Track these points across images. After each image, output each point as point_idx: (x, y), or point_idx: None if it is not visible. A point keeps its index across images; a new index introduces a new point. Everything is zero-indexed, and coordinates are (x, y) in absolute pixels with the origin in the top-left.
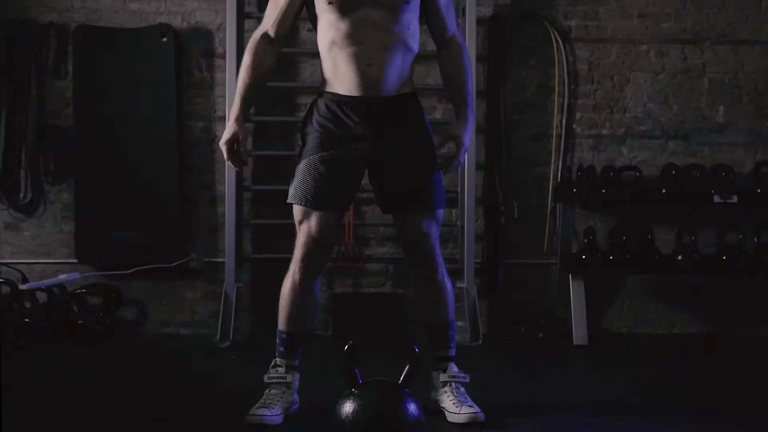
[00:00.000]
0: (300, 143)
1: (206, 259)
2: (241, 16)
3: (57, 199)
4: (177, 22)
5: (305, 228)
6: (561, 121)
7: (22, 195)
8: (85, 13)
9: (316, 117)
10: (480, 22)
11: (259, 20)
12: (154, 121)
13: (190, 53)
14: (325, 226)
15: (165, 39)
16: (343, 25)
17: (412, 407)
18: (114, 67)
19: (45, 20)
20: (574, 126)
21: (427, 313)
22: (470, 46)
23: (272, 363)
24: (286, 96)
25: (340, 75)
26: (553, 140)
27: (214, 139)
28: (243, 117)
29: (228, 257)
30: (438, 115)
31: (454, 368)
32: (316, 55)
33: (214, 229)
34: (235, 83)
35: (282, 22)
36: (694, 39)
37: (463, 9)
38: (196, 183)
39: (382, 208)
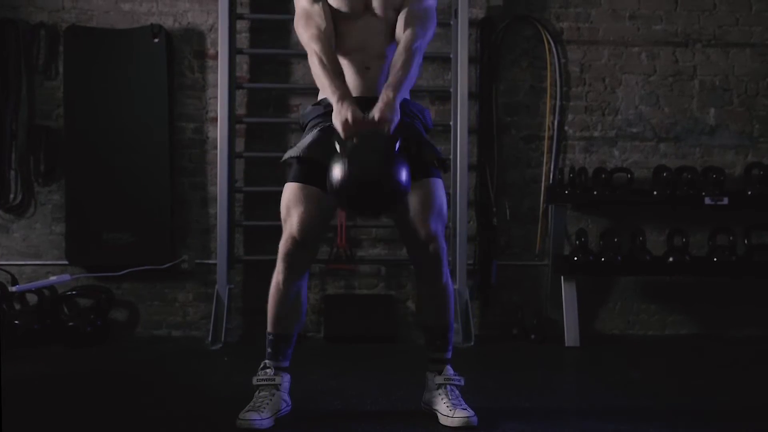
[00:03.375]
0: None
1: (198, 261)
2: (233, 17)
3: (47, 201)
4: (169, 22)
5: (288, 226)
6: (553, 123)
7: (12, 196)
8: (76, 14)
9: (316, 111)
10: (472, 23)
11: (252, 21)
12: (145, 122)
13: (182, 54)
14: (308, 224)
15: (157, 40)
16: (344, 32)
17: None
18: (105, 68)
19: (35, 20)
20: (566, 128)
21: (428, 315)
22: (462, 47)
23: (261, 365)
24: (278, 97)
25: None
26: (545, 142)
27: (206, 140)
28: (348, 92)
29: (220, 259)
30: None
31: (449, 371)
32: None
33: (205, 230)
34: (227, 83)
35: (330, 25)
36: (685, 41)
37: (455, 11)
38: (188, 184)
39: None
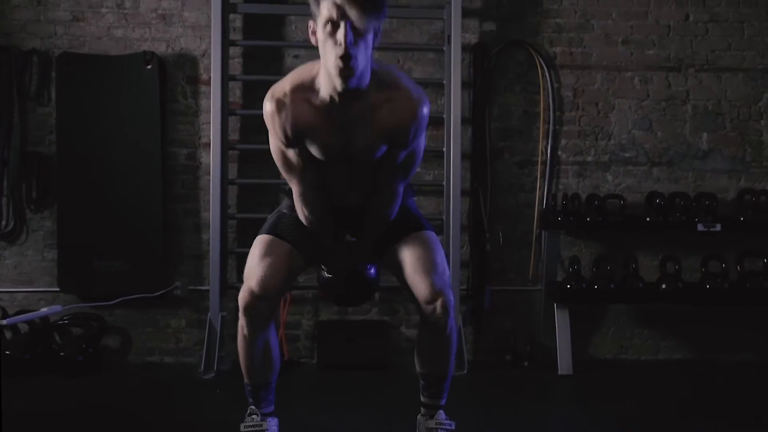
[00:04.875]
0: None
1: (191, 287)
2: (226, 42)
3: (39, 227)
4: (162, 48)
5: (247, 281)
6: (546, 148)
7: (4, 223)
8: (68, 40)
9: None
10: (465, 48)
11: (244, 47)
12: (138, 149)
13: (175, 80)
14: (269, 281)
15: (149, 67)
16: (324, 172)
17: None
18: (98, 94)
19: (28, 47)
20: (559, 152)
21: (427, 363)
22: (455, 72)
23: (248, 411)
24: None
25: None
26: (539, 167)
27: (199, 166)
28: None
29: (212, 286)
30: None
31: (441, 415)
32: None
33: (198, 256)
34: (219, 109)
35: (311, 174)
36: (677, 66)
37: (449, 37)
38: (181, 210)
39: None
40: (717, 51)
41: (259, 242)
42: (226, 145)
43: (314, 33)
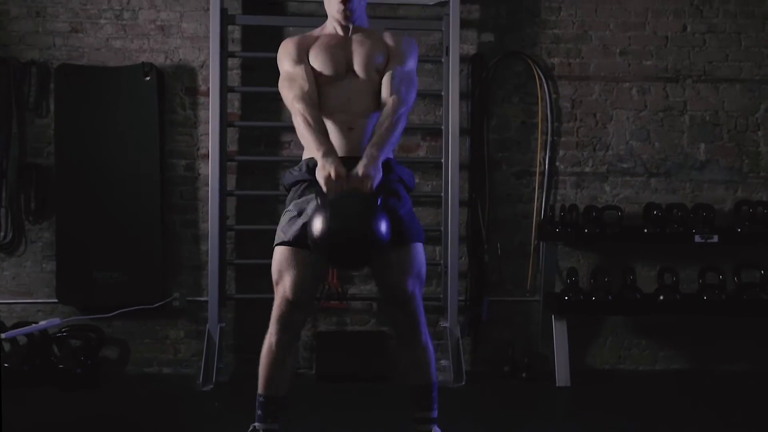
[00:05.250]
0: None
1: (189, 298)
2: (225, 54)
3: (38, 238)
4: (160, 59)
5: (280, 289)
6: (544, 159)
7: (2, 234)
8: (67, 51)
9: (300, 174)
10: (463, 59)
11: (243, 59)
12: (136, 160)
13: (174, 91)
14: (301, 286)
15: (148, 78)
16: (328, 93)
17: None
18: (96, 106)
19: (26, 58)
20: (557, 163)
21: (411, 376)
22: (453, 83)
23: (251, 428)
24: (269, 133)
25: None
26: (537, 177)
27: (198, 177)
28: (333, 148)
29: (211, 298)
30: (422, 153)
31: (436, 430)
32: None
33: (197, 267)
34: (218, 121)
35: (313, 86)
36: (675, 77)
37: (447, 48)
38: (179, 221)
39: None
40: (714, 62)
41: (279, 255)
42: (224, 157)
43: None
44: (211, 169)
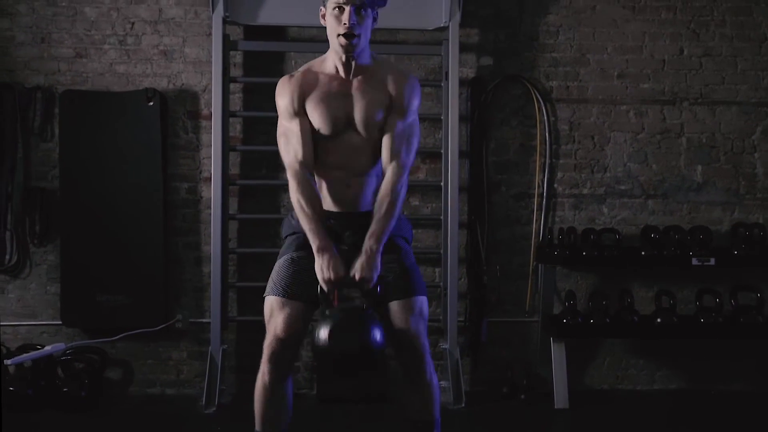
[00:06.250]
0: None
1: (191, 320)
2: (227, 79)
3: (43, 261)
4: (163, 84)
5: (272, 327)
6: (543, 181)
7: (7, 257)
8: (71, 76)
9: (297, 225)
10: (463, 83)
11: (245, 84)
12: (139, 183)
13: (176, 114)
14: (292, 325)
15: (151, 103)
16: (326, 147)
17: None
18: (100, 130)
19: (31, 83)
20: (556, 185)
21: (413, 411)
22: (453, 107)
23: None
24: (271, 156)
25: (322, 193)
26: (535, 199)
27: (200, 200)
28: (329, 243)
29: (213, 320)
30: (422, 175)
31: None
32: None
33: (199, 289)
34: (220, 144)
35: (308, 147)
36: (672, 100)
37: (446, 73)
38: (182, 244)
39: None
40: (711, 85)
41: (269, 303)
42: (226, 180)
43: (323, 17)
44: (213, 192)
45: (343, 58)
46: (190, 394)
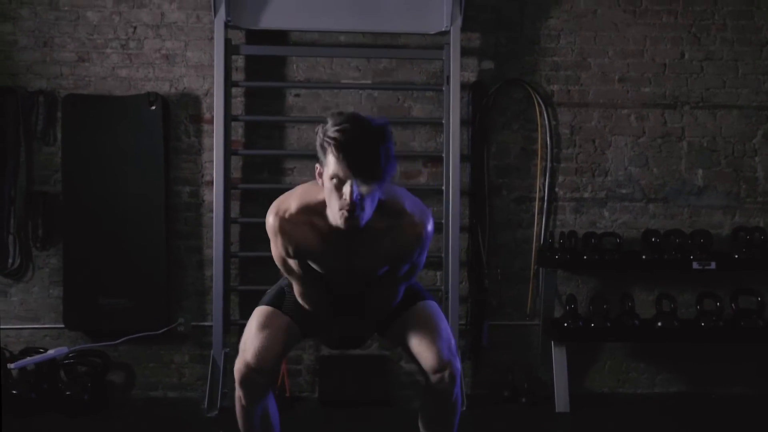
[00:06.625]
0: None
1: (194, 323)
2: (229, 83)
3: (45, 265)
4: (165, 88)
5: (242, 351)
6: (544, 185)
7: (10, 261)
8: (74, 80)
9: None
10: (464, 87)
11: (247, 88)
12: (142, 187)
13: (178, 118)
14: (264, 356)
15: (153, 107)
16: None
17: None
18: (102, 134)
19: (34, 87)
20: (557, 189)
21: (433, 426)
22: (454, 111)
23: None
24: (273, 160)
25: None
26: (536, 203)
27: (202, 203)
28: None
29: (215, 324)
30: (423, 179)
31: None
32: (302, 120)
33: (201, 292)
34: (222, 148)
35: (310, 276)
36: (673, 104)
37: (448, 77)
38: (184, 247)
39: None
40: (712, 89)
41: (258, 313)
42: (228, 184)
43: (320, 175)
44: (215, 195)
45: (343, 227)
46: (192, 398)
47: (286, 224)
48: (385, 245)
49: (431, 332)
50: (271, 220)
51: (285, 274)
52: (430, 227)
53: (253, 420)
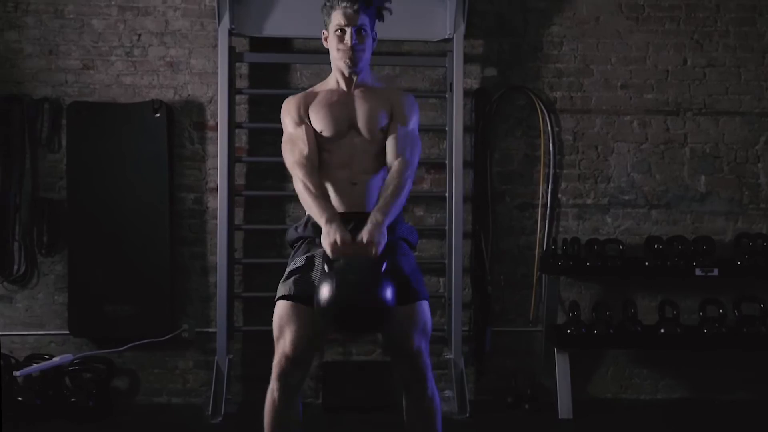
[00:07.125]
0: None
1: (198, 330)
2: (233, 90)
3: (50, 271)
4: (169, 95)
5: (280, 345)
6: (546, 191)
7: (16, 267)
8: (78, 87)
9: (302, 231)
10: (467, 94)
11: (250, 95)
12: (146, 194)
13: (182, 125)
14: (301, 340)
15: (158, 115)
16: (330, 149)
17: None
18: (107, 141)
19: (39, 95)
20: (560, 195)
21: (417, 427)
22: (457, 118)
23: None
24: (276, 169)
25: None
26: (539, 210)
27: (206, 210)
28: (337, 215)
29: (219, 330)
30: (426, 186)
31: None
32: None
33: (205, 298)
34: (226, 155)
35: (313, 147)
36: (676, 110)
37: (451, 84)
38: (188, 254)
39: None
40: (714, 95)
41: (279, 310)
42: (232, 191)
43: (326, 39)
44: (219, 202)
45: (346, 73)
46: (196, 404)
47: (300, 96)
48: (378, 97)
49: (411, 326)
50: (285, 101)
51: (291, 162)
52: (414, 99)
53: (282, 416)
